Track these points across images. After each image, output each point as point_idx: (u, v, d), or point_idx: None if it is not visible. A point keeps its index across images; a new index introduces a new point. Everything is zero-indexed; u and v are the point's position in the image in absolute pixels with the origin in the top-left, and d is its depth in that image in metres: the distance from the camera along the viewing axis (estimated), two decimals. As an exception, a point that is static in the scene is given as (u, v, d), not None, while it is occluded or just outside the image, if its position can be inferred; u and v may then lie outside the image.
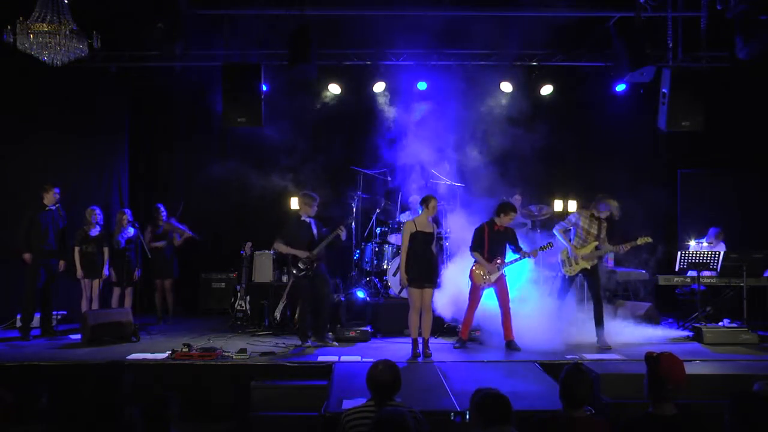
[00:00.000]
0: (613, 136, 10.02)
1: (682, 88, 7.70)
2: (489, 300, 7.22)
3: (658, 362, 3.17)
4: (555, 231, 7.39)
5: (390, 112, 9.39)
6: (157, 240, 8.79)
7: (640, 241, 7.13)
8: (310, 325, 7.27)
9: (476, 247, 7.09)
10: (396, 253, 8.53)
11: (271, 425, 5.18)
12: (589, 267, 7.25)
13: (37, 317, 7.81)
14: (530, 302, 7.56)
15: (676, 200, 10.14)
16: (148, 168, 10.29)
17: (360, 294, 8.41)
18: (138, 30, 7.80)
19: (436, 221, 7.56)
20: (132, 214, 8.49)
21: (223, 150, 9.98)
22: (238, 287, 8.58)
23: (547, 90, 9.66)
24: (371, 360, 4.31)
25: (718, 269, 7.84)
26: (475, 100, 9.21)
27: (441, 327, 7.71)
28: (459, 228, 8.14)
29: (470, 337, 7.29)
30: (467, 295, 7.14)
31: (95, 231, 8.16)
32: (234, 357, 6.38)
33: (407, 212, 9.08)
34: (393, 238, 8.82)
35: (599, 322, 7.16)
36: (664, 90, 7.79)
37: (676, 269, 8.09)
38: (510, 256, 7.14)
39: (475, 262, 7.08)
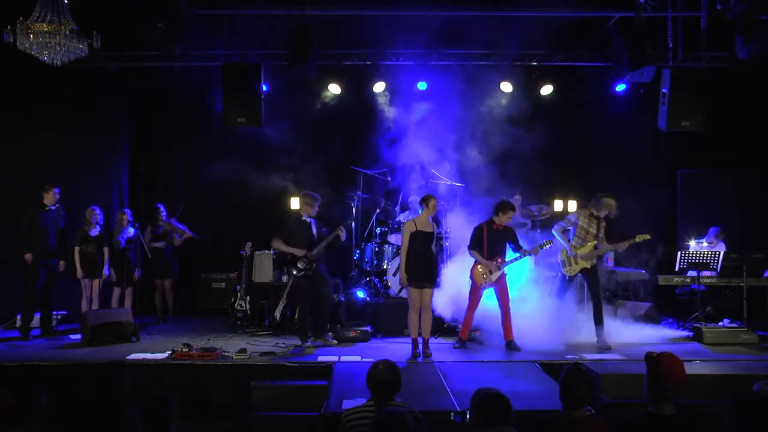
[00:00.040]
0: (613, 136, 10.02)
1: (682, 88, 7.71)
2: (489, 300, 7.22)
3: (658, 362, 3.17)
4: (554, 231, 7.39)
5: (390, 112, 9.39)
6: (156, 240, 8.80)
7: (638, 239, 7.12)
8: (309, 325, 7.27)
9: (474, 245, 7.09)
10: (396, 253, 8.53)
11: (271, 425, 5.17)
12: (588, 266, 7.25)
13: (37, 317, 7.81)
14: (530, 302, 7.56)
15: (676, 200, 10.14)
16: (148, 168, 10.29)
17: (360, 294, 8.41)
18: (138, 30, 7.80)
19: (436, 221, 7.56)
20: (132, 214, 8.50)
21: (223, 150, 9.98)
22: (238, 287, 8.58)
23: (547, 90, 9.67)
24: (371, 360, 4.31)
25: (718, 269, 7.84)
26: (475, 100, 9.21)
27: (441, 327, 7.71)
28: (459, 227, 8.14)
29: (470, 337, 7.29)
30: (467, 295, 7.14)
31: (95, 231, 8.16)
32: (234, 357, 6.38)
33: (407, 212, 9.08)
34: (393, 238, 8.82)
35: (599, 321, 7.16)
36: (664, 90, 7.79)
37: (676, 269, 8.09)
38: (510, 255, 7.13)
39: (475, 261, 7.07)
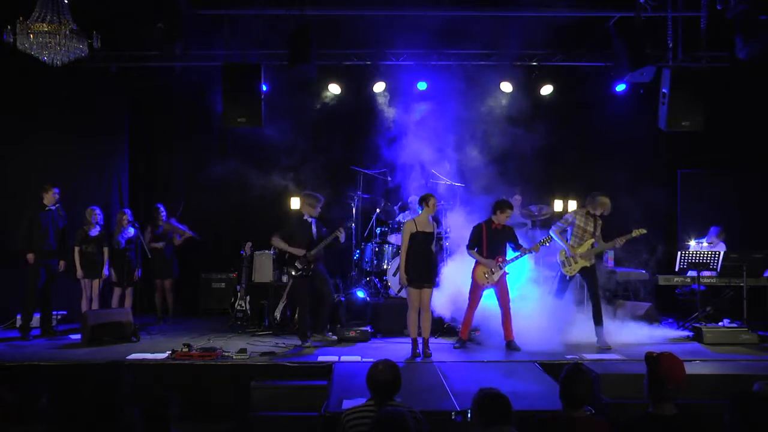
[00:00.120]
0: (613, 136, 10.01)
1: (682, 88, 7.71)
2: (489, 300, 7.22)
3: (658, 362, 3.17)
4: (551, 232, 7.39)
5: (390, 112, 9.39)
6: (156, 240, 8.80)
7: (635, 233, 7.11)
8: (309, 324, 7.28)
9: (473, 245, 7.08)
10: (396, 253, 8.53)
11: (271, 425, 5.17)
12: (588, 265, 7.26)
13: (37, 317, 7.81)
14: (530, 302, 7.56)
15: (676, 200, 10.14)
16: (148, 168, 10.29)
17: (360, 294, 8.42)
18: (138, 30, 7.81)
19: (436, 220, 7.56)
20: (132, 214, 8.50)
21: (223, 150, 9.97)
22: (238, 287, 8.58)
23: (547, 90, 9.67)
24: (371, 360, 4.31)
25: (718, 269, 7.84)
26: (475, 100, 9.22)
27: (441, 327, 7.72)
28: (459, 227, 8.14)
29: (470, 338, 7.29)
30: (467, 295, 7.14)
31: (95, 231, 8.16)
32: (234, 357, 6.38)
33: (407, 212, 9.08)
34: (393, 238, 8.82)
35: (598, 321, 7.16)
36: (664, 90, 7.80)
37: (676, 269, 8.09)
38: (510, 254, 7.13)
39: (476, 261, 7.07)
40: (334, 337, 7.44)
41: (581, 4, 7.87)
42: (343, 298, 8.18)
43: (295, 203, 9.33)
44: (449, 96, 8.99)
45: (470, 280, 7.10)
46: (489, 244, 7.03)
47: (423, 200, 6.83)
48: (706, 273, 7.97)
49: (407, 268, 6.68)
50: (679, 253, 8.09)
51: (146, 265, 8.60)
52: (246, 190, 9.35)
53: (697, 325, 7.65)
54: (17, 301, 7.88)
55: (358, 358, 6.52)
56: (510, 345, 6.96)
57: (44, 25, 5.94)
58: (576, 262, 7.26)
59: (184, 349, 6.44)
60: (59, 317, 8.18)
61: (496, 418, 3.12)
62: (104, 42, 6.49)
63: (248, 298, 8.44)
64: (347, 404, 4.58)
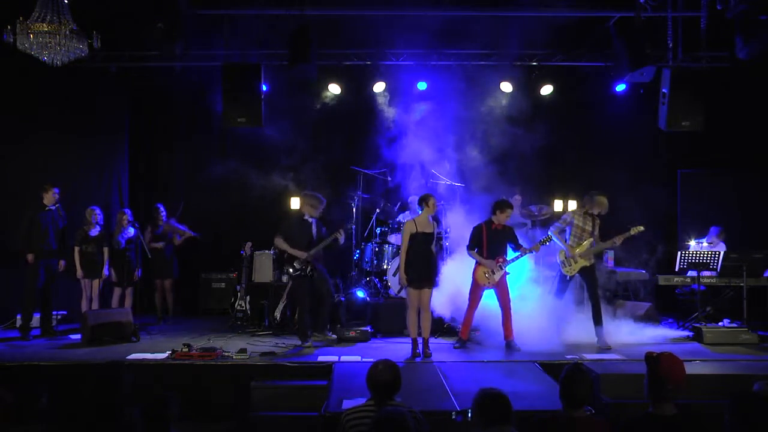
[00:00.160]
0: (613, 136, 10.01)
1: (682, 88, 7.71)
2: (489, 300, 7.22)
3: (658, 362, 3.17)
4: (550, 232, 7.39)
5: (390, 112, 9.38)
6: (156, 240, 8.80)
7: (633, 231, 7.11)
8: (308, 324, 7.28)
9: (474, 246, 7.08)
10: (396, 253, 8.53)
11: (271, 425, 5.17)
12: (588, 264, 7.26)
13: (37, 317, 7.81)
14: (530, 302, 7.56)
15: (676, 200, 10.14)
16: (148, 168, 10.29)
17: (360, 294, 8.42)
18: (138, 30, 7.80)
19: (436, 219, 7.55)
20: (132, 214, 8.50)
21: (223, 150, 9.97)
22: (238, 287, 8.58)
23: (547, 90, 9.66)
24: (371, 360, 4.30)
25: (718, 269, 7.84)
26: (475, 100, 9.21)
27: (441, 327, 7.72)
28: (459, 226, 8.14)
29: (470, 338, 7.28)
30: (467, 295, 7.14)
31: (95, 231, 8.16)
32: (234, 357, 6.39)
33: (407, 212, 9.08)
34: (393, 238, 8.82)
35: (598, 321, 7.16)
36: (664, 90, 7.79)
37: (676, 269, 8.09)
38: (511, 254, 7.13)
39: (477, 262, 7.06)
40: (334, 337, 7.45)
41: (581, 4, 7.87)
42: (343, 298, 8.18)
43: (295, 203, 9.33)
44: (449, 96, 8.99)
45: (470, 280, 7.10)
46: (489, 244, 7.03)
47: (423, 200, 6.83)
48: (706, 273, 7.97)
49: (407, 268, 6.68)
50: (679, 253, 8.09)
51: (146, 265, 8.60)
52: (246, 190, 9.34)
53: (697, 325, 7.65)
54: (17, 301, 7.88)
55: (358, 358, 6.52)
56: (510, 345, 6.96)
57: (44, 25, 5.94)
58: (576, 262, 7.26)
59: (184, 349, 6.44)
60: (59, 317, 8.18)
61: (497, 418, 3.12)
62: (104, 42, 6.49)
63: (248, 298, 8.44)
64: (347, 404, 4.58)
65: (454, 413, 4.62)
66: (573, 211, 7.46)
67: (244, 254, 8.65)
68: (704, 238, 8.89)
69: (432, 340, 6.99)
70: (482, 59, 9.16)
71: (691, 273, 8.02)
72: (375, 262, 8.87)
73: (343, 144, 9.86)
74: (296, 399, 5.48)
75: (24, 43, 6.00)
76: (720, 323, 7.79)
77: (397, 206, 9.42)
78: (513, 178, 8.92)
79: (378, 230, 9.18)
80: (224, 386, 6.05)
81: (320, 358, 6.49)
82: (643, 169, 10.03)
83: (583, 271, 7.28)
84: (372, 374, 3.61)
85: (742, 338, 7.32)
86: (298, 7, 7.65)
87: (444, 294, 7.50)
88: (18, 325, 7.77)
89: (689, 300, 8.41)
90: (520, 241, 7.20)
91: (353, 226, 8.97)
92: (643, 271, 8.75)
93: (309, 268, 7.19)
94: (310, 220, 7.38)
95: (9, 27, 6.00)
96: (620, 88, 9.27)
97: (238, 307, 8.39)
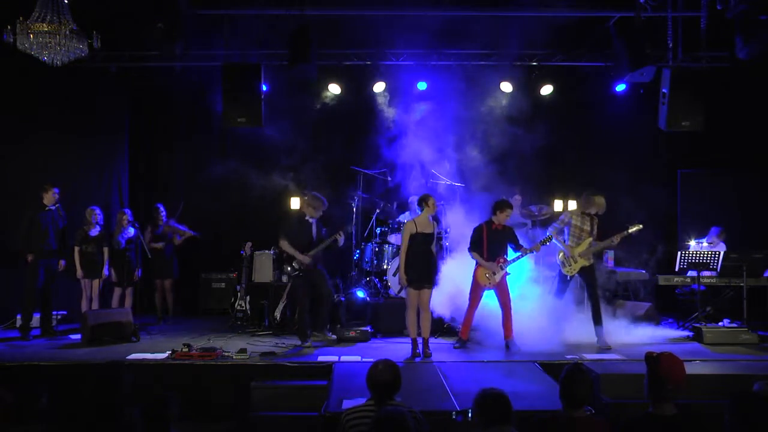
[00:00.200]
0: (613, 136, 10.01)
1: (682, 88, 7.71)
2: (489, 300, 7.22)
3: (658, 362, 3.17)
4: (550, 232, 7.39)
5: (390, 112, 9.38)
6: (156, 240, 8.80)
7: (631, 229, 7.10)
8: (308, 324, 7.28)
9: (474, 247, 7.08)
10: (396, 253, 8.53)
11: (271, 425, 5.17)
12: (587, 264, 7.26)
13: (37, 317, 7.81)
14: (530, 301, 7.56)
15: (676, 200, 10.14)
16: (148, 168, 10.29)
17: (360, 294, 8.42)
18: (138, 30, 7.80)
19: (436, 219, 7.55)
20: (132, 214, 8.50)
21: (223, 150, 9.97)
22: (238, 287, 8.58)
23: (547, 90, 9.66)
24: (371, 360, 4.30)
25: (718, 269, 7.84)
26: (475, 100, 9.21)
27: (441, 327, 7.72)
28: (459, 225, 8.14)
29: (470, 338, 7.28)
30: (467, 295, 7.13)
31: (95, 231, 8.16)
32: (234, 357, 6.39)
33: (407, 212, 9.09)
34: (393, 238, 8.82)
35: (598, 321, 7.16)
36: (664, 90, 7.79)
37: (676, 269, 8.09)
38: (511, 254, 7.13)
39: (477, 263, 7.06)
40: (334, 337, 7.45)
41: (581, 4, 7.87)
42: (343, 298, 8.18)
43: (295, 203, 9.33)
44: (449, 96, 8.98)
45: (470, 280, 7.10)
46: (490, 245, 7.03)
47: (422, 201, 6.83)
48: (706, 273, 7.97)
49: (407, 268, 6.68)
50: (679, 253, 8.09)
51: (146, 265, 8.60)
52: (246, 190, 9.34)
53: (697, 325, 7.65)
54: (17, 301, 7.87)
55: (358, 358, 6.52)
56: (509, 345, 6.96)
57: (44, 25, 5.94)
58: (575, 262, 7.26)
59: (184, 349, 6.44)
60: (59, 317, 8.18)
61: (497, 418, 3.12)
62: (104, 42, 6.49)
63: (248, 298, 8.44)
64: (347, 404, 4.58)
65: (454, 413, 4.62)
66: (571, 212, 7.45)
67: (244, 254, 8.64)
68: (704, 238, 8.89)
69: (432, 340, 6.99)
70: (482, 59, 9.16)
71: (691, 273, 8.02)
72: (375, 262, 8.87)
73: (343, 144, 9.85)
74: (296, 399, 5.48)
75: (24, 43, 6.00)
76: (720, 323, 7.79)
77: (397, 206, 9.42)
78: (513, 178, 8.92)
79: (378, 230, 9.18)
80: (224, 386, 6.05)
81: (320, 358, 6.50)
82: (643, 169, 10.03)
83: (582, 271, 7.28)
84: (372, 374, 3.61)
85: (742, 338, 7.32)
86: (298, 7, 7.65)
87: (444, 294, 7.50)
88: (18, 325, 7.77)
89: (689, 300, 8.41)
90: (521, 241, 7.20)
91: (353, 227, 8.97)
92: (643, 271, 8.75)
93: (307, 268, 7.19)
94: (310, 220, 7.38)
95: (9, 27, 6.00)
96: (620, 88, 9.27)
97: (238, 307, 8.39)
